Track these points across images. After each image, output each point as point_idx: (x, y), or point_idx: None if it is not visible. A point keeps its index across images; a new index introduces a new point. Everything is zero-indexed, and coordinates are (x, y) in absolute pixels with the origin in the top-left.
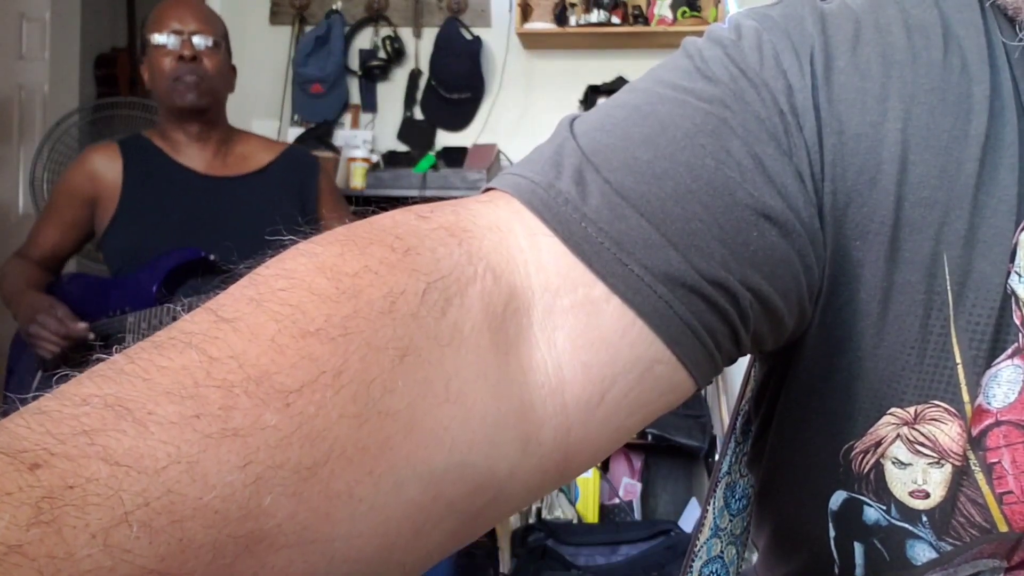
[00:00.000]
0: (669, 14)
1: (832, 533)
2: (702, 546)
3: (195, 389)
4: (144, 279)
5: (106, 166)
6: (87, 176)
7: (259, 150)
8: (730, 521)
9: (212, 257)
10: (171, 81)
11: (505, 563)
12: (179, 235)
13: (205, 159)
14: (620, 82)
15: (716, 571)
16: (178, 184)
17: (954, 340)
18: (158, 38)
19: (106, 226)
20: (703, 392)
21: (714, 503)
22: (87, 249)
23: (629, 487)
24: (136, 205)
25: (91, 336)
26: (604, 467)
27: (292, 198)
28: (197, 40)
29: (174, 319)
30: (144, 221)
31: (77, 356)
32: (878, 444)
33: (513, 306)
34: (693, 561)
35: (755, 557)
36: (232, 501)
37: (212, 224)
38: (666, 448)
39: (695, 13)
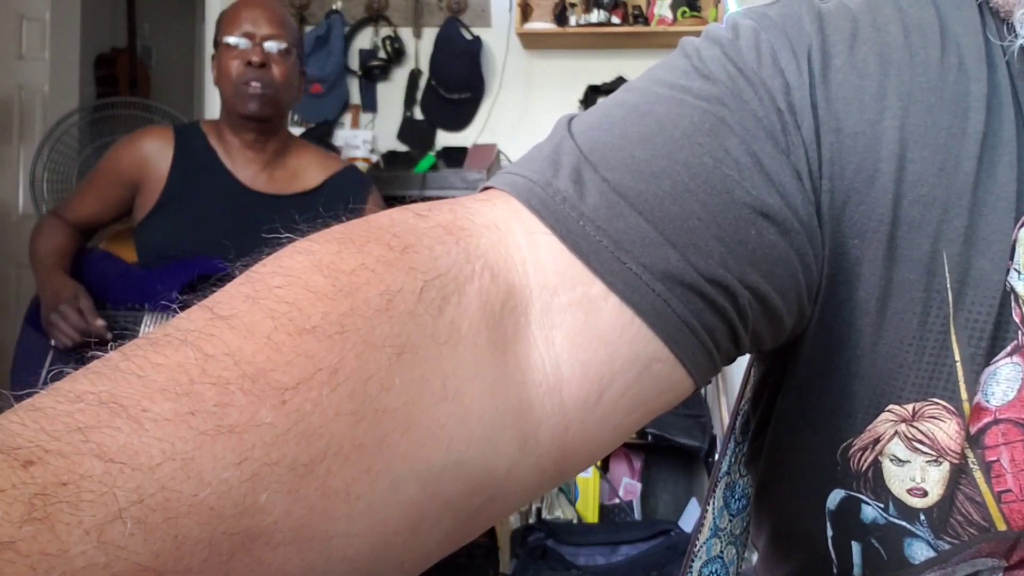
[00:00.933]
0: (669, 14)
1: (830, 532)
2: (702, 546)
3: (190, 386)
4: (167, 280)
5: (157, 154)
6: (136, 162)
7: (312, 167)
8: (730, 521)
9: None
10: (237, 86)
11: (505, 563)
12: (212, 244)
13: (254, 170)
14: (620, 82)
15: (716, 571)
16: (221, 192)
17: (953, 338)
18: (229, 39)
19: (144, 216)
20: (703, 392)
21: (714, 503)
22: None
23: (629, 487)
24: (176, 203)
25: (109, 336)
26: (604, 467)
27: (334, 221)
28: (269, 45)
29: None
30: (180, 222)
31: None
32: (876, 441)
33: (511, 304)
34: (693, 561)
35: (755, 558)
36: (228, 498)
37: (246, 239)
38: (666, 448)
39: (695, 13)
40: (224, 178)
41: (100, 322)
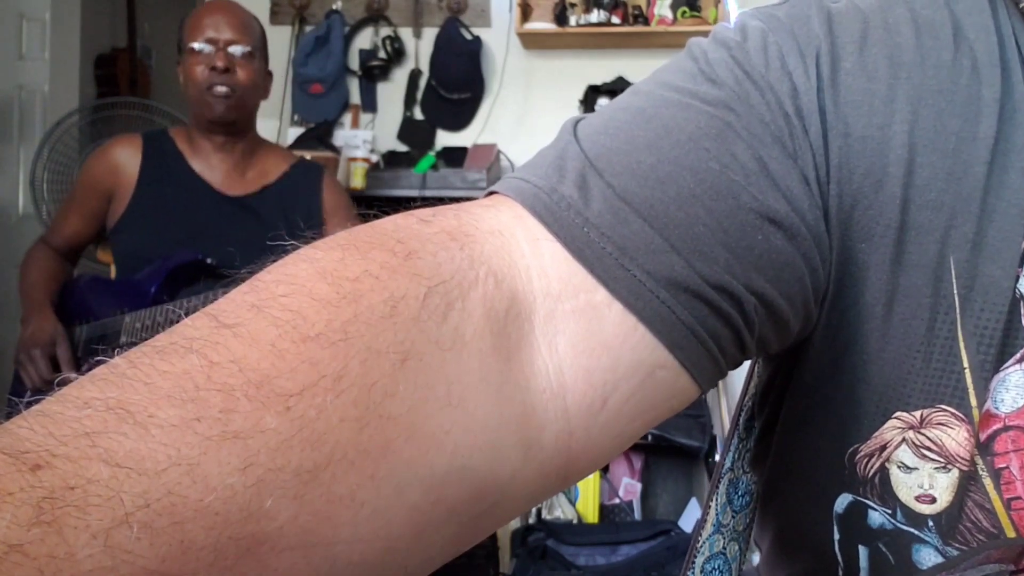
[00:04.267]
0: (669, 14)
1: (836, 536)
2: (704, 542)
3: (196, 393)
4: (144, 281)
5: (127, 159)
6: (108, 168)
7: (276, 163)
8: (733, 517)
9: (210, 261)
10: (203, 91)
11: (505, 563)
12: (182, 245)
13: (223, 172)
14: (620, 82)
15: (719, 567)
16: (190, 195)
17: (961, 344)
18: (193, 44)
19: (115, 222)
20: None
21: (717, 499)
22: (88, 249)
23: (629, 487)
24: (146, 207)
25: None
26: (604, 467)
27: (300, 209)
28: (232, 49)
29: (168, 319)
30: (151, 226)
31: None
32: (883, 448)
33: (515, 311)
34: (695, 557)
35: (756, 557)
36: (233, 503)
37: (218, 239)
38: (666, 448)
39: (695, 13)
40: (192, 181)
41: (72, 376)
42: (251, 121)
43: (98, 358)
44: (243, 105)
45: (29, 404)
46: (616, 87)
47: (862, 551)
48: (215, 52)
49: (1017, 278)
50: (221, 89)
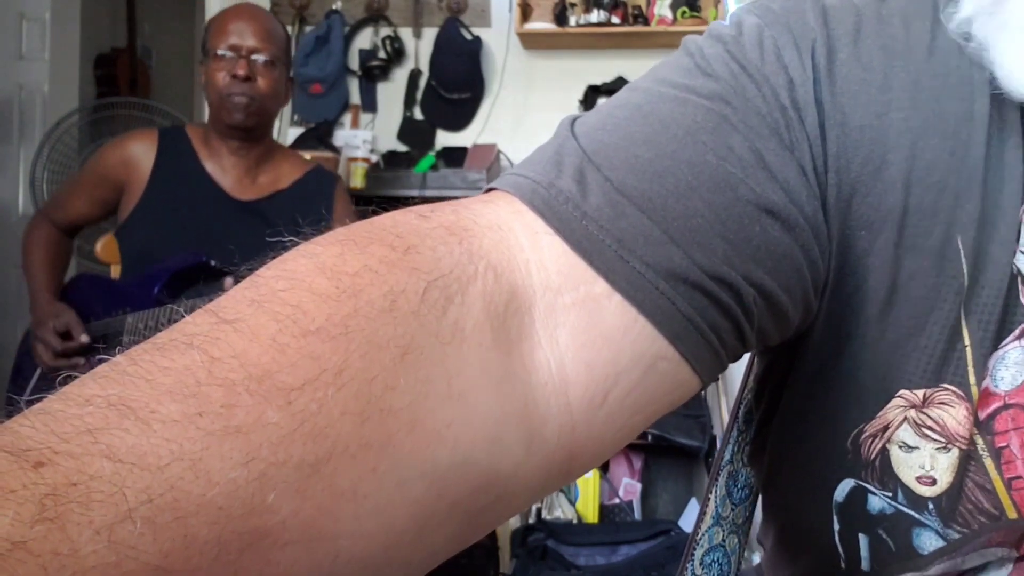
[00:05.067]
0: (669, 14)
1: (836, 527)
2: (703, 534)
3: (197, 388)
4: (147, 281)
5: (142, 154)
6: (122, 162)
7: (290, 169)
8: (732, 510)
9: (213, 263)
10: (223, 97)
11: (505, 563)
12: (189, 247)
13: (235, 176)
14: (620, 82)
15: (718, 560)
16: (200, 196)
17: (964, 323)
18: (216, 50)
19: (126, 217)
20: (703, 392)
21: (716, 492)
22: (87, 250)
23: (629, 487)
24: (156, 205)
25: (84, 349)
26: (604, 467)
27: (310, 217)
28: (254, 58)
29: (171, 320)
30: (159, 225)
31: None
32: (885, 428)
33: (514, 305)
34: (695, 549)
35: (756, 557)
36: (235, 498)
37: (224, 242)
38: (666, 448)
39: (695, 13)
40: (205, 183)
41: (84, 338)
42: (268, 128)
43: (100, 356)
44: (262, 113)
45: (30, 403)
46: (616, 87)
47: (863, 540)
48: (237, 59)
49: (1014, 254)
50: (240, 99)
